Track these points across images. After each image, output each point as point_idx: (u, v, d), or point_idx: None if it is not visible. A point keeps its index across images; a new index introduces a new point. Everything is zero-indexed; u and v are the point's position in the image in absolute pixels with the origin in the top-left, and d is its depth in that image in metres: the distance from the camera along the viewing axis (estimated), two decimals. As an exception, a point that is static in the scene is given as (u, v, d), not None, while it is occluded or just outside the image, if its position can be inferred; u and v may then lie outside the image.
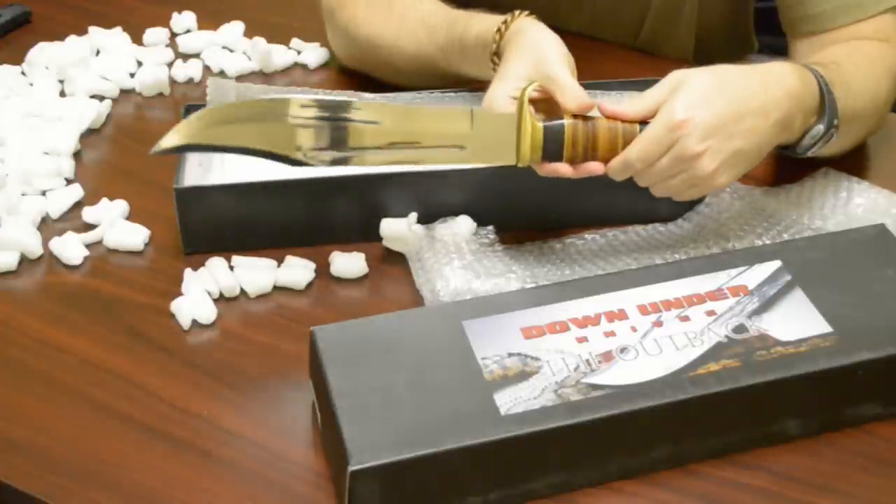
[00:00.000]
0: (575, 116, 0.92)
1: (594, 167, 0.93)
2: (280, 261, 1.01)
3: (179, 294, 0.98)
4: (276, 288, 1.00)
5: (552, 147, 0.92)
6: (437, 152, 0.92)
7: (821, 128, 0.99)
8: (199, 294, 0.98)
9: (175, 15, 1.36)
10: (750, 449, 0.86)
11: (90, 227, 1.06)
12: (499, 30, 1.02)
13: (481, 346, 0.84)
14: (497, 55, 1.03)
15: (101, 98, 1.23)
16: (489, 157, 0.93)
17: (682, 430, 0.84)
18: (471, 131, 0.92)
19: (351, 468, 0.76)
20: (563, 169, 0.93)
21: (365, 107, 0.90)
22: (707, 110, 0.91)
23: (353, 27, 1.21)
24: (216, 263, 1.00)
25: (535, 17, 1.01)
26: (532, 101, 0.92)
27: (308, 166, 0.90)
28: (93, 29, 1.32)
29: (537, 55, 0.96)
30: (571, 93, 0.92)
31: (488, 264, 0.98)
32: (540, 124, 0.91)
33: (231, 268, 1.00)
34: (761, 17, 1.38)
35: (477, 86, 1.11)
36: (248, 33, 1.33)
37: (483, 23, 1.05)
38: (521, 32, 1.00)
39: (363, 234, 1.03)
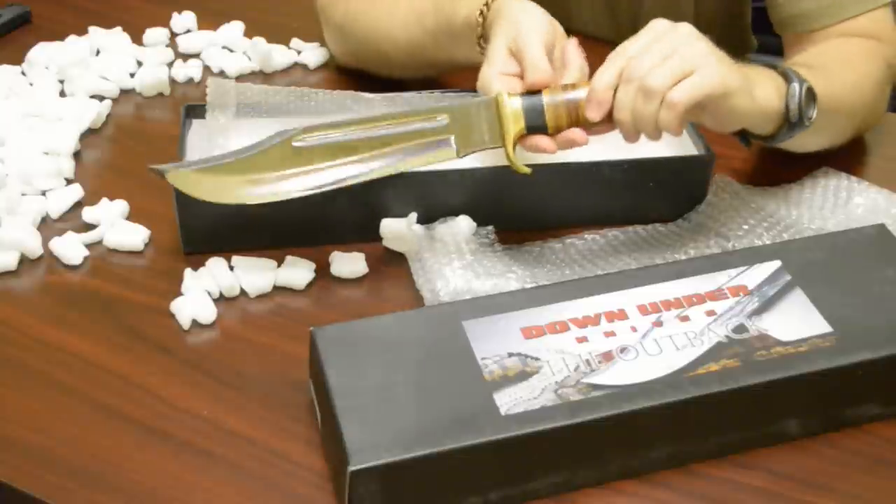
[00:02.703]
0: (562, 87, 0.94)
1: (576, 136, 0.93)
2: (280, 261, 1.01)
3: (179, 294, 0.98)
4: (276, 288, 1.00)
5: (534, 119, 0.93)
6: (422, 155, 0.95)
7: (795, 86, 0.98)
8: (199, 294, 0.98)
9: (175, 15, 1.36)
10: (750, 449, 0.86)
11: (90, 227, 1.06)
12: (481, 12, 1.03)
13: (481, 346, 0.84)
14: (483, 38, 1.04)
15: (101, 98, 1.23)
16: (475, 143, 0.95)
17: (682, 430, 0.84)
18: (450, 124, 0.95)
19: (351, 468, 0.76)
20: (542, 143, 0.93)
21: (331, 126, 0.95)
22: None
23: (347, 22, 1.21)
24: (216, 263, 1.00)
25: None
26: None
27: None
28: (93, 29, 1.32)
29: (514, 29, 0.98)
30: (531, 65, 0.95)
31: (488, 264, 0.98)
32: (518, 99, 0.93)
33: (231, 268, 1.00)
34: (761, 17, 1.38)
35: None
36: (248, 33, 1.33)
37: (468, 5, 1.06)
38: (501, 11, 1.01)
39: (363, 234, 1.03)
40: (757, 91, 0.95)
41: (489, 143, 0.95)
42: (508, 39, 0.97)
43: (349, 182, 0.95)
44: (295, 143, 0.95)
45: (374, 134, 0.95)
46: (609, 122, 0.93)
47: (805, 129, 1.00)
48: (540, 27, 0.98)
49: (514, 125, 0.93)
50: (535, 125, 0.93)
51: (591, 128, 0.94)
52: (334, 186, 0.95)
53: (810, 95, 0.99)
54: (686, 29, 0.93)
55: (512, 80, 0.96)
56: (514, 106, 0.94)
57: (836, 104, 1.04)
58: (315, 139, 0.95)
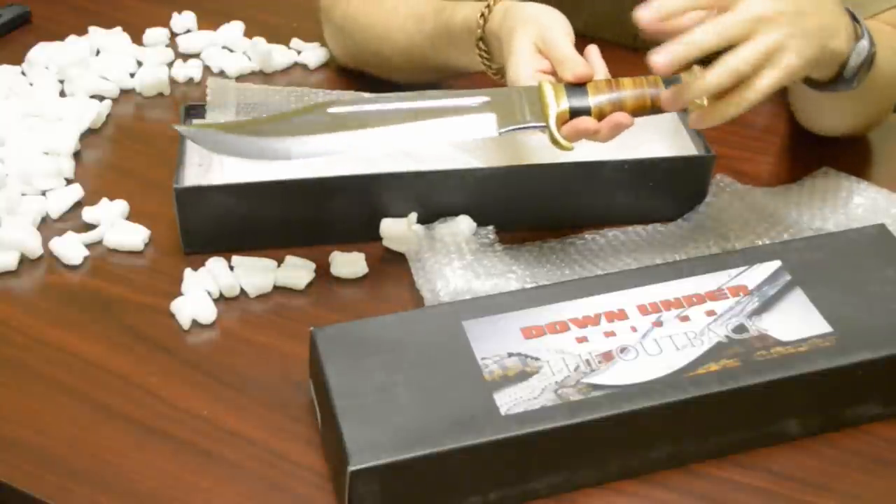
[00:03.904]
0: (605, 83, 0.93)
1: (622, 118, 0.91)
2: (280, 261, 1.01)
3: (179, 294, 0.98)
4: (276, 288, 1.00)
5: (577, 104, 0.92)
6: (461, 129, 0.93)
7: (865, 44, 0.97)
8: (199, 294, 0.98)
9: (175, 15, 1.36)
10: (750, 449, 0.86)
11: (90, 227, 1.06)
12: (482, 14, 1.03)
13: (481, 346, 0.84)
14: (482, 41, 1.04)
15: (101, 98, 1.23)
16: (517, 121, 0.92)
17: (682, 430, 0.84)
18: (490, 102, 0.93)
19: (351, 468, 0.76)
20: (586, 123, 0.91)
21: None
22: None
23: (347, 23, 1.21)
24: (216, 263, 1.00)
25: None
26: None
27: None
28: (93, 29, 1.32)
29: (540, 27, 0.97)
30: (570, 63, 0.93)
31: (488, 264, 0.98)
32: (562, 86, 0.92)
33: (231, 268, 1.00)
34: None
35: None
36: (248, 33, 1.33)
37: (468, 8, 1.06)
38: (512, 9, 1.00)
39: (363, 234, 1.03)
40: (831, 45, 0.93)
41: (531, 121, 0.92)
42: (533, 36, 0.97)
43: (388, 147, 0.93)
44: (330, 110, 0.93)
45: (411, 106, 0.93)
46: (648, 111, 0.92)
47: (849, 89, 0.99)
48: (564, 26, 0.97)
49: (558, 105, 0.91)
50: (580, 108, 0.92)
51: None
52: (375, 149, 0.93)
53: (871, 61, 0.98)
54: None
55: (543, 75, 0.95)
56: (557, 87, 0.92)
57: (874, 72, 1.03)
58: (350, 107, 0.93)
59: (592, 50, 0.96)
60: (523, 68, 0.95)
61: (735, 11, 0.88)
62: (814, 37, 0.91)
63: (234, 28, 1.34)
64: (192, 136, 0.94)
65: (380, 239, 1.02)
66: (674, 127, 1.11)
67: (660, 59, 0.87)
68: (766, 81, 0.88)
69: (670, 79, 0.92)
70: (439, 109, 0.93)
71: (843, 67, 0.97)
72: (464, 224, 1.02)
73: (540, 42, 0.96)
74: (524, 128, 0.93)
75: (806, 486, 0.84)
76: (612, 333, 0.85)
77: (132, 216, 1.07)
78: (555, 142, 0.92)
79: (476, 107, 0.93)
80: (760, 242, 1.01)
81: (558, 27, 0.97)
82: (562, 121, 0.92)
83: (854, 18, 0.98)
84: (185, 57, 1.31)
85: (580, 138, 0.92)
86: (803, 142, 1.14)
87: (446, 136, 0.94)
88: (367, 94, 0.94)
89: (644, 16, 0.88)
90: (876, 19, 1.11)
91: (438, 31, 1.11)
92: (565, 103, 0.92)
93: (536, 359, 0.83)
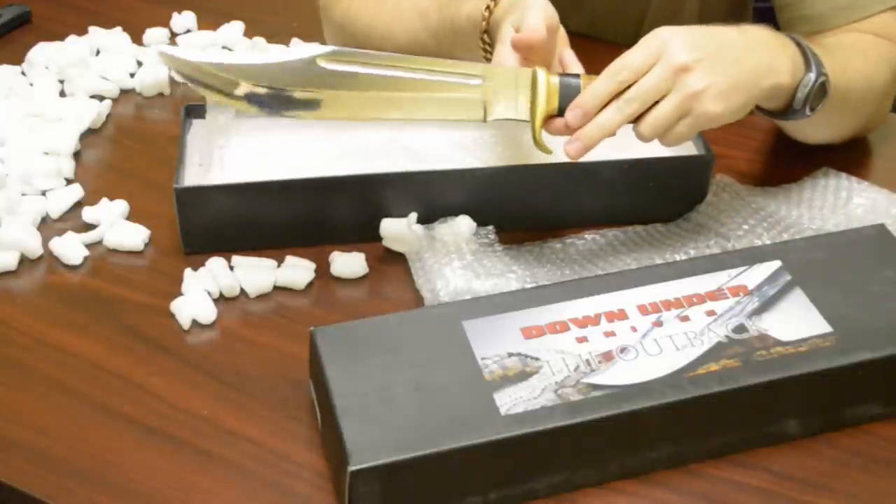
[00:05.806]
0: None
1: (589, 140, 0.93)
2: (280, 261, 1.01)
3: (179, 294, 0.98)
4: (276, 288, 1.00)
5: (567, 98, 0.92)
6: (449, 111, 0.94)
7: (811, 76, 0.98)
8: (199, 294, 0.98)
9: (175, 15, 1.36)
10: (750, 449, 0.86)
11: (90, 227, 1.06)
12: (488, 7, 1.04)
13: (481, 346, 0.84)
14: (487, 33, 1.04)
15: (101, 98, 1.23)
16: (505, 112, 0.94)
17: (682, 430, 0.84)
18: (483, 85, 0.94)
19: (351, 468, 0.76)
20: (568, 128, 0.93)
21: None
22: (690, 33, 0.93)
23: (348, 20, 1.22)
24: (216, 263, 1.00)
25: None
26: None
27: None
28: (93, 29, 1.32)
29: (520, 10, 0.98)
30: (525, 25, 0.95)
31: (488, 264, 0.98)
32: (556, 77, 0.93)
33: (231, 268, 1.00)
34: (761, 17, 1.38)
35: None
36: (248, 33, 1.33)
37: (472, 3, 1.07)
38: (514, 4, 1.01)
39: (363, 234, 1.03)
40: (766, 83, 0.95)
41: (518, 115, 0.94)
42: (514, 22, 0.98)
43: (364, 120, 0.95)
44: (321, 63, 0.92)
45: (404, 76, 0.94)
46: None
47: (805, 117, 1.00)
48: (545, 8, 0.98)
49: (548, 104, 0.93)
50: (570, 100, 0.93)
51: None
52: (357, 115, 0.94)
53: (822, 90, 0.99)
54: (678, 46, 0.92)
55: (524, 61, 0.96)
56: (550, 83, 0.93)
57: (846, 91, 1.03)
58: (343, 66, 0.93)
59: (568, 51, 0.99)
60: (504, 51, 0.97)
61: (651, 72, 0.91)
62: (740, 80, 0.93)
63: (234, 28, 1.34)
64: (181, 69, 0.93)
65: (380, 239, 1.02)
66: (674, 127, 1.10)
67: (572, 149, 0.92)
68: (683, 129, 0.93)
69: None
70: (432, 84, 0.94)
71: (792, 99, 0.98)
72: (464, 224, 1.02)
73: (515, 23, 0.97)
74: (511, 119, 0.95)
75: (806, 486, 0.84)
76: (612, 333, 0.85)
77: (132, 216, 1.07)
78: (536, 142, 0.94)
79: (469, 87, 0.94)
80: (760, 242, 1.01)
81: (538, 6, 0.98)
82: (549, 116, 0.93)
83: (801, 48, 0.99)
84: (186, 57, 1.31)
85: (566, 134, 0.94)
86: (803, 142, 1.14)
87: (433, 115, 0.95)
88: (364, 51, 0.95)
89: (572, 122, 0.92)
90: (866, 22, 1.11)
91: (442, 27, 1.11)
92: (555, 100, 0.93)
93: (536, 359, 0.83)
